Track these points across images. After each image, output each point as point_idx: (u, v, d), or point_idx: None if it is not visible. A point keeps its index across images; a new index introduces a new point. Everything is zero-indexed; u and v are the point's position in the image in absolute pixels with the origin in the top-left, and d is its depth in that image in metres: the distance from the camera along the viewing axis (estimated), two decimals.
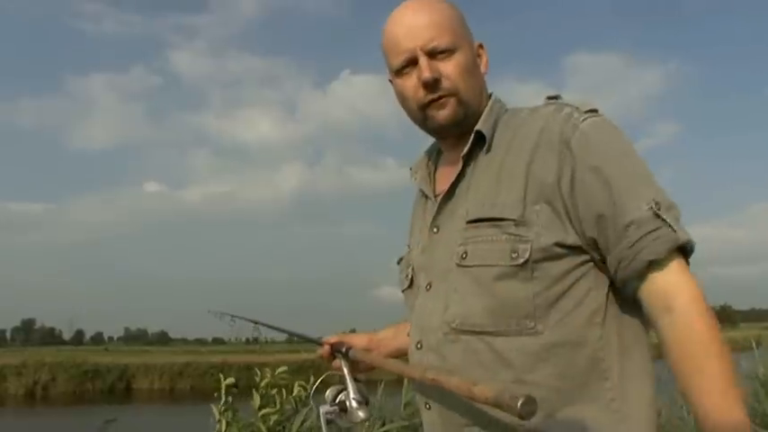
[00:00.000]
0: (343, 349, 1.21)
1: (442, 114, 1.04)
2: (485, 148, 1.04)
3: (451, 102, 1.03)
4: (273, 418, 2.53)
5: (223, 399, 2.37)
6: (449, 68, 1.02)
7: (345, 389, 1.14)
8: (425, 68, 1.01)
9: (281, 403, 2.52)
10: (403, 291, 1.16)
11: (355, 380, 1.16)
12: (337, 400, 1.13)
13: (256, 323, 1.47)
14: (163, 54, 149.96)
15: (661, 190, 0.95)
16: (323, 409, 1.12)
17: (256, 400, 2.35)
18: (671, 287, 0.91)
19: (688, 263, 0.93)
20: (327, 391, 1.15)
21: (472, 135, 1.04)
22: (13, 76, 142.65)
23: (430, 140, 1.18)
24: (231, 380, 2.36)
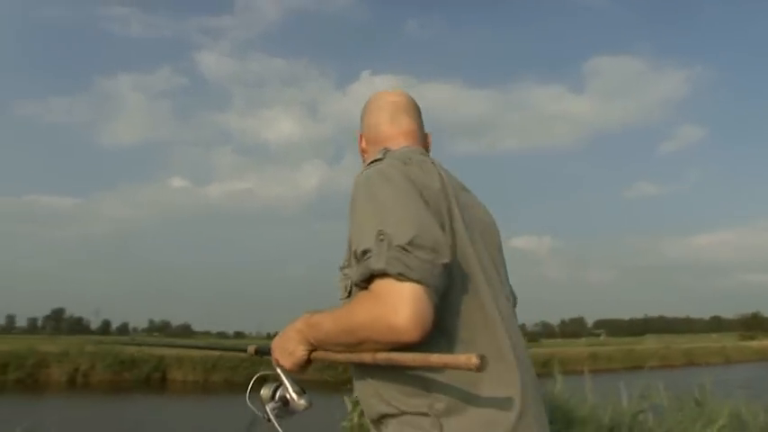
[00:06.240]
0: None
1: None
2: None
3: None
4: None
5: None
6: None
7: (281, 384, 1.16)
8: None
9: None
10: None
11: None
12: (277, 396, 1.15)
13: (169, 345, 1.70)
14: (188, 55, 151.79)
15: (398, 225, 0.98)
16: (269, 406, 1.14)
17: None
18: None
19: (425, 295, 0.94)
20: (263, 390, 1.17)
21: None
22: (44, 76, 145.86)
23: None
24: None
